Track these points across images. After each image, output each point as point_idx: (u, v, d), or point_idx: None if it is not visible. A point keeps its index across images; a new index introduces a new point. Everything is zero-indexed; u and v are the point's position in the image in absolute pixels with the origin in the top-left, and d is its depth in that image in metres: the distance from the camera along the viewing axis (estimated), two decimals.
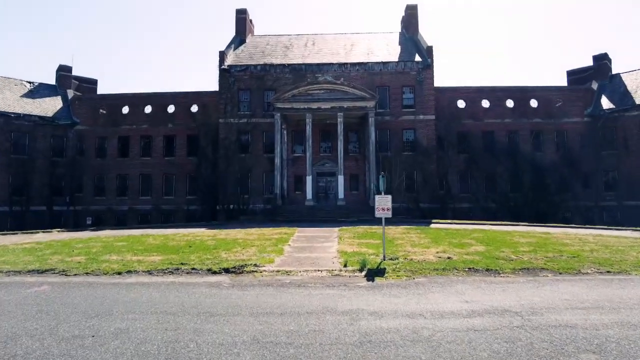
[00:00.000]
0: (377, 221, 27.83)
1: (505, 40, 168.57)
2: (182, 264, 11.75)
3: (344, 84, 32.50)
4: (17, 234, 22.73)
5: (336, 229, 20.71)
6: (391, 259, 12.53)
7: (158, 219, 37.89)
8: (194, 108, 39.20)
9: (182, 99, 39.34)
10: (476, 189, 38.28)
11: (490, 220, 32.07)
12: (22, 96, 39.82)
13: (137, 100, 39.70)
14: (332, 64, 36.83)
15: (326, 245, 15.29)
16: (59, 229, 25.39)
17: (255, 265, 11.58)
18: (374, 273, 10.91)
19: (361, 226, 21.92)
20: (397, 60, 37.43)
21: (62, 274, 10.91)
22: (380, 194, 12.98)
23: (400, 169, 35.06)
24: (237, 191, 36.50)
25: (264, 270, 11.17)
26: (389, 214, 12.80)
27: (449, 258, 12.46)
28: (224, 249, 14.02)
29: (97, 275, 10.83)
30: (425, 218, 33.77)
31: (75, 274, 10.87)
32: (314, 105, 32.48)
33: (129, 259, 12.33)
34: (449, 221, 27.70)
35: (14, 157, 36.41)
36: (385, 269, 11.25)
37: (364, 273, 10.98)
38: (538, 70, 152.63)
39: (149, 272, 11.03)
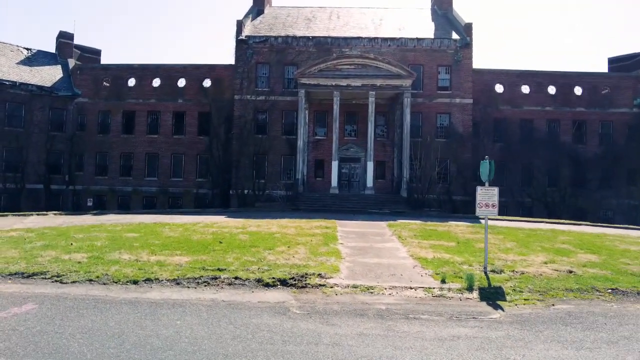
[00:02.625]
0: (416, 215, 24.79)
1: (539, 23, 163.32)
2: (219, 269, 8.66)
3: (378, 58, 29.09)
4: (6, 215, 19.63)
5: (382, 223, 17.61)
6: (494, 271, 9.46)
7: (165, 202, 34.79)
8: (207, 83, 35.76)
9: (194, 72, 35.87)
10: (511, 182, 35.06)
11: (525, 216, 29.08)
12: (18, 63, 36.36)
13: (144, 72, 36.23)
14: (361, 38, 33.32)
15: (388, 247, 12.19)
16: (55, 212, 22.30)
17: (319, 275, 8.50)
18: (491, 295, 7.84)
19: (409, 221, 18.84)
20: (432, 36, 33.95)
21: (57, 281, 7.82)
22: (484, 184, 9.83)
23: (432, 157, 31.83)
24: (251, 175, 33.32)
25: (335, 285, 8.09)
26: (495, 212, 9.68)
27: (570, 272, 9.38)
28: (264, 247, 10.92)
29: (104, 284, 7.74)
30: (457, 212, 30.77)
31: (74, 282, 7.78)
32: (343, 82, 29.11)
33: (145, 260, 9.23)
34: (500, 217, 24.56)
35: (7, 129, 33.09)
36: (501, 288, 8.18)
37: (475, 294, 7.91)
38: (572, 55, 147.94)
39: (176, 282, 7.95)
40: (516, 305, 7.30)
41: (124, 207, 34.41)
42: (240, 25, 34.05)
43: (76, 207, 34.82)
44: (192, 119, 35.52)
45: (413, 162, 29.84)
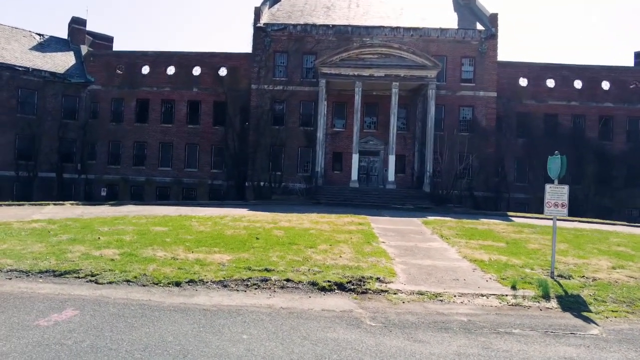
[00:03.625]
0: (441, 211, 23.88)
1: (552, 17, 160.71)
2: (266, 270, 7.88)
3: (402, 48, 28.07)
4: (23, 205, 18.99)
5: (415, 220, 16.79)
6: (561, 276, 8.63)
7: (178, 193, 34.13)
8: (223, 71, 34.89)
9: (209, 60, 34.99)
10: (534, 179, 34.00)
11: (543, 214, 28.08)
12: (30, 49, 35.63)
13: (158, 59, 35.40)
14: (383, 27, 32.28)
15: (435, 247, 11.38)
16: (72, 202, 21.64)
17: (378, 279, 7.70)
18: (572, 304, 7.02)
19: (442, 218, 18.02)
20: (456, 27, 32.84)
21: (92, 281, 7.07)
22: (553, 182, 8.96)
23: (454, 151, 30.87)
24: (267, 167, 32.56)
25: (398, 291, 7.29)
26: (565, 212, 8.81)
27: None
28: (305, 245, 10.15)
29: (144, 285, 6.99)
30: (479, 208, 29.90)
31: (111, 282, 7.03)
32: (365, 72, 28.14)
33: (183, 257, 8.47)
34: (527, 215, 23.73)
35: (20, 116, 32.46)
36: (580, 296, 7.36)
37: (554, 303, 7.09)
38: (589, 50, 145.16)
39: (223, 284, 7.19)
40: (607, 318, 6.48)
41: (137, 197, 33.81)
42: (258, 12, 33.13)
43: (88, 197, 34.27)
44: (207, 108, 34.75)
45: (436, 157, 28.92)
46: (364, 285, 7.37)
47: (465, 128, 32.19)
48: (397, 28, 32.30)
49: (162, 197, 34.00)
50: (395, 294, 7.15)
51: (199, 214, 15.85)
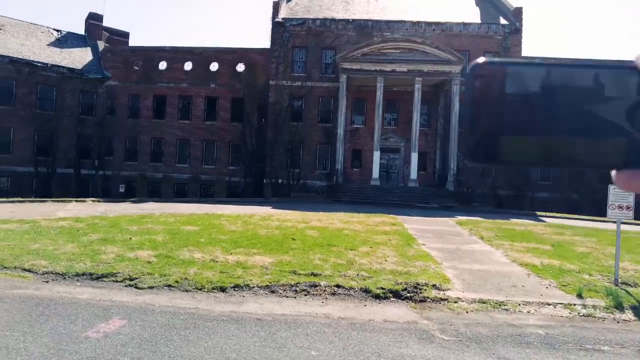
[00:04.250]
0: (468, 210, 23.19)
1: (592, 7, 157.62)
2: (313, 274, 7.40)
3: (425, 43, 27.37)
4: (46, 201, 18.77)
5: (448, 220, 16.23)
6: (626, 283, 8.03)
7: (196, 190, 33.89)
8: (240, 67, 34.49)
9: (227, 55, 34.61)
10: (558, 177, 33.25)
11: (573, 214, 27.30)
12: (49, 45, 35.57)
13: (175, 55, 35.10)
14: (404, 21, 31.58)
15: (478, 249, 10.82)
16: (93, 199, 21.38)
17: (433, 286, 7.18)
18: None
19: (474, 218, 17.41)
20: (479, 21, 32.03)
21: (131, 286, 6.65)
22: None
23: None
24: (286, 164, 32.10)
25: (458, 299, 6.77)
26: (631, 215, 8.20)
27: None
28: (344, 247, 9.67)
29: (186, 291, 6.56)
30: (502, 207, 29.13)
31: (152, 287, 6.60)
32: (388, 67, 27.50)
33: (222, 260, 8.03)
34: (557, 215, 22.97)
35: (39, 112, 32.39)
36: None
37: (630, 314, 6.51)
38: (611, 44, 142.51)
39: (270, 289, 6.73)
40: None
41: (155, 193, 33.63)
42: (276, 6, 32.62)
43: (106, 193, 34.15)
44: (224, 104, 34.40)
45: (460, 154, 28.21)
46: (420, 293, 6.85)
47: None
48: (419, 23, 31.58)
49: (180, 193, 33.77)
50: (455, 302, 6.63)
51: (225, 212, 15.46)
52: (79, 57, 36.15)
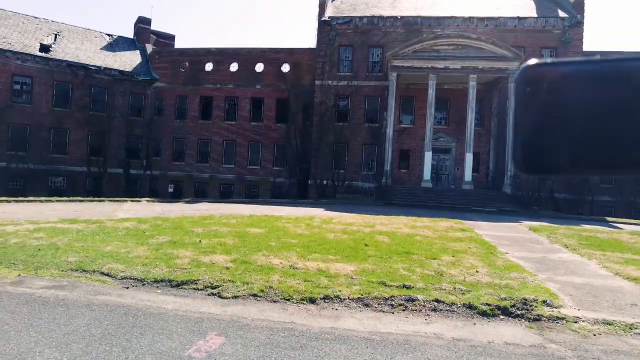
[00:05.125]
0: (530, 214, 21.75)
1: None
2: (404, 286, 6.74)
3: (480, 39, 26.15)
4: (103, 201, 18.99)
5: (517, 226, 15.17)
6: None
7: (241, 191, 33.92)
8: (285, 68, 34.29)
9: (272, 56, 34.48)
10: (622, 180, 31.03)
11: (636, 219, 25.26)
12: (101, 49, 36.62)
13: (221, 56, 35.32)
14: (455, 17, 30.41)
15: (567, 259, 9.84)
16: (147, 199, 21.56)
17: (544, 302, 6.36)
18: None
19: (545, 224, 16.24)
20: (536, 15, 30.38)
21: (214, 294, 6.22)
22: None
23: None
24: (331, 165, 31.61)
25: (577, 318, 5.93)
26: None
27: None
28: (425, 255, 8.96)
29: (274, 301, 6.05)
30: (560, 211, 27.42)
31: (236, 296, 6.14)
32: (440, 65, 26.45)
33: (302, 267, 7.50)
34: (628, 221, 21.30)
35: (92, 113, 33.34)
36: None
37: None
38: None
39: (364, 302, 6.13)
40: None
41: (201, 193, 33.92)
42: (322, 5, 32.18)
43: (154, 192, 34.73)
44: (270, 105, 34.26)
45: None
46: (532, 310, 6.06)
47: None
48: (470, 18, 30.33)
49: (225, 194, 33.91)
50: (575, 322, 5.80)
51: (281, 214, 15.05)
52: (128, 60, 37.00)
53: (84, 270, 6.96)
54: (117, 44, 38.24)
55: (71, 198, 18.73)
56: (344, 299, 6.20)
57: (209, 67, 35.34)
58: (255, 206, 18.60)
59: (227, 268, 7.22)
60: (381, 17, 31.23)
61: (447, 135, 29.98)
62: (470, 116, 26.25)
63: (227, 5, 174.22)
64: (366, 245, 9.51)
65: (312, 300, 6.10)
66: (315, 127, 31.97)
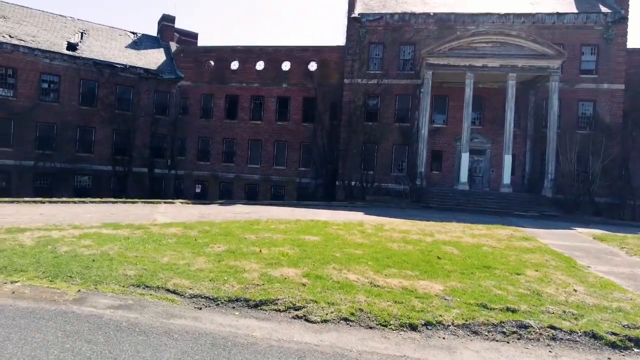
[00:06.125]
0: (576, 220, 20.62)
1: None
2: (508, 309, 5.94)
3: (520, 36, 25.05)
4: (136, 202, 18.49)
5: (578, 234, 14.21)
6: None
7: (267, 191, 33.34)
8: (312, 66, 33.58)
9: (299, 54, 33.80)
10: None
11: None
12: (126, 47, 36.37)
13: (247, 54, 34.75)
14: (490, 14, 29.31)
15: None
16: (181, 200, 21.00)
17: None
18: None
19: (598, 231, 15.21)
20: (575, 10, 29.12)
21: (299, 317, 5.49)
22: None
23: (573, 151, 27.26)
24: (359, 166, 30.80)
25: None
26: None
27: None
28: (506, 269, 8.14)
29: (370, 327, 5.31)
30: (600, 215, 26.20)
31: (325, 320, 5.41)
32: (478, 63, 25.44)
33: (383, 284, 6.75)
34: None
35: (118, 112, 33.07)
36: None
37: None
38: None
39: (471, 330, 5.35)
40: None
41: (226, 193, 33.44)
42: (352, 2, 31.36)
43: (178, 192, 34.37)
44: (296, 104, 33.60)
45: (559, 158, 25.67)
46: None
47: (584, 125, 28.49)
48: (507, 15, 29.20)
49: (251, 194, 33.39)
50: None
51: (323, 218, 14.33)
52: (153, 58, 36.69)
53: (147, 286, 6.30)
54: (141, 42, 37.98)
55: (104, 199, 18.27)
56: (448, 326, 5.42)
57: (234, 65, 34.81)
58: (292, 209, 17.92)
59: (304, 285, 6.50)
60: (413, 14, 30.30)
61: (481, 135, 28.93)
62: (509, 116, 25.18)
63: (250, 2, 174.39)
64: (439, 258, 8.71)
65: (413, 327, 5.34)
66: (343, 127, 31.19)
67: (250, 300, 5.90)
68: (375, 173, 30.47)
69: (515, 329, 5.40)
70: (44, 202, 16.47)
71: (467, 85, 25.49)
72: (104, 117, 32.41)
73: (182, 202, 19.42)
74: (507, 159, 24.97)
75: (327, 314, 5.57)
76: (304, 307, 5.74)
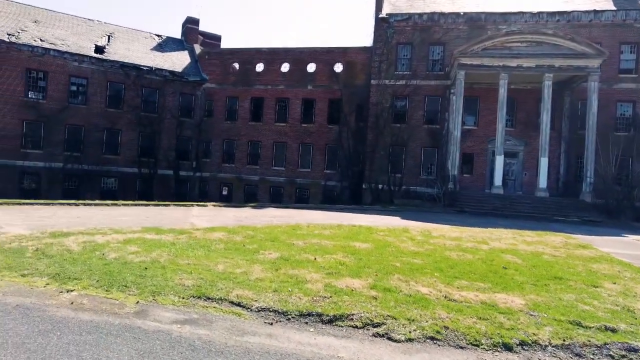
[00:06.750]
0: (622, 226, 19.92)
1: None
2: (607, 328, 5.39)
3: (557, 35, 24.19)
4: (169, 205, 18.28)
5: (632, 240, 13.41)
6: None
7: (292, 193, 33.01)
8: (338, 67, 33.17)
9: (325, 55, 33.43)
10: None
11: None
12: (151, 50, 36.53)
13: (272, 56, 34.53)
14: (522, 13, 28.48)
15: None
16: (213, 203, 20.74)
17: None
18: None
19: None
20: (613, 8, 28.10)
21: (380, 335, 5.03)
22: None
23: (611, 153, 26.23)
24: (387, 169, 30.25)
25: None
26: None
27: None
28: (580, 281, 7.55)
29: (460, 347, 4.83)
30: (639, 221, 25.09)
31: (410, 339, 4.95)
32: (513, 63, 24.66)
33: (459, 297, 6.24)
34: None
35: (143, 114, 33.17)
36: None
37: None
38: None
39: (571, 350, 4.84)
40: None
41: (251, 196, 33.21)
42: (379, 2, 30.84)
43: (203, 194, 34.29)
44: (321, 106, 33.21)
45: (598, 160, 24.70)
46: None
47: (624, 127, 27.39)
48: (539, 13, 28.34)
49: (275, 196, 33.10)
50: None
51: (362, 222, 13.85)
52: (178, 61, 36.76)
53: (209, 298, 5.91)
54: (166, 45, 38.12)
55: (136, 202, 18.14)
56: (546, 346, 4.89)
57: (259, 67, 34.62)
58: (326, 213, 17.51)
59: (374, 298, 6.03)
60: (442, 14, 29.65)
61: (514, 138, 28.08)
62: (545, 118, 24.31)
63: (273, 3, 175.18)
64: (505, 268, 8.15)
65: (508, 347, 4.83)
66: (370, 129, 30.69)
67: (323, 314, 5.46)
68: (403, 176, 29.86)
69: (624, 353, 4.84)
70: (78, 205, 16.36)
71: (501, 86, 24.73)
72: (130, 119, 32.54)
73: (214, 205, 19.15)
74: (544, 162, 24.10)
75: (410, 331, 5.09)
76: (382, 323, 5.27)
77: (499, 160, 24.62)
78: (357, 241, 10.04)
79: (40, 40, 29.63)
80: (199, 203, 20.08)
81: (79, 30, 33.24)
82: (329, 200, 31.54)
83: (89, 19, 35.28)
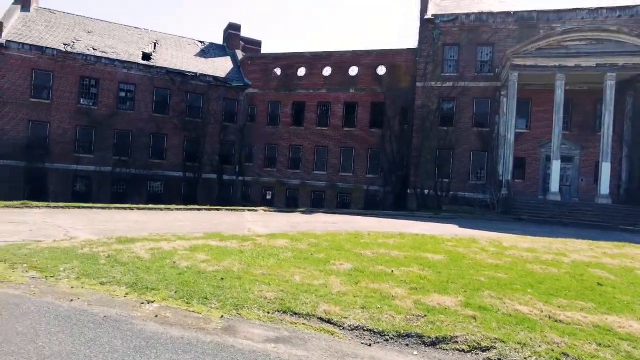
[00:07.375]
0: None
1: None
2: None
3: (621, 31, 22.81)
4: (220, 209, 18.29)
5: None
6: None
7: (333, 198, 32.67)
8: (381, 70, 32.64)
9: (367, 58, 32.99)
10: None
11: None
12: (195, 55, 37.19)
13: (314, 60, 34.40)
14: (579, 9, 27.10)
15: None
16: (263, 208, 20.68)
17: None
18: None
19: None
20: None
21: None
22: None
23: None
24: (433, 173, 29.42)
25: None
26: None
27: None
28: None
29: None
30: None
31: None
32: (570, 62, 23.44)
33: (564, 318, 5.65)
34: None
35: (188, 119, 33.76)
36: None
37: None
38: None
39: None
40: None
41: (292, 200, 33.11)
42: (425, 3, 30.12)
43: (245, 198, 34.47)
44: (363, 109, 32.74)
45: None
46: None
47: None
48: (598, 9, 26.86)
49: (316, 201, 32.84)
50: None
51: (419, 230, 13.28)
52: (220, 66, 37.24)
53: (295, 313, 5.58)
54: (208, 51, 38.73)
55: (188, 207, 18.25)
56: None
57: (301, 71, 34.57)
58: (378, 219, 17.02)
59: (473, 318, 5.53)
60: (490, 13, 28.63)
61: (568, 141, 26.68)
62: (607, 120, 22.93)
63: (312, 7, 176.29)
64: (599, 284, 7.45)
65: None
66: (415, 132, 29.97)
67: (424, 336, 5.01)
68: (450, 181, 28.98)
69: None
70: (133, 209, 16.59)
71: (557, 87, 23.53)
72: (176, 124, 33.14)
73: (264, 210, 19.03)
74: (605, 167, 22.69)
75: (525, 357, 4.57)
76: (492, 347, 4.78)
77: (555, 165, 23.41)
78: (427, 252, 9.52)
79: (93, 49, 30.66)
80: (249, 208, 20.02)
81: (127, 39, 34.23)
82: (372, 206, 31.00)
83: (136, 27, 36.30)
